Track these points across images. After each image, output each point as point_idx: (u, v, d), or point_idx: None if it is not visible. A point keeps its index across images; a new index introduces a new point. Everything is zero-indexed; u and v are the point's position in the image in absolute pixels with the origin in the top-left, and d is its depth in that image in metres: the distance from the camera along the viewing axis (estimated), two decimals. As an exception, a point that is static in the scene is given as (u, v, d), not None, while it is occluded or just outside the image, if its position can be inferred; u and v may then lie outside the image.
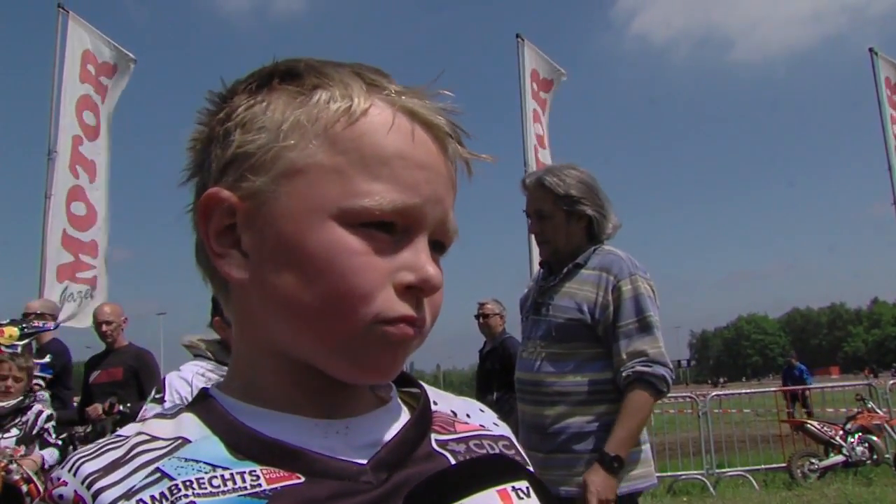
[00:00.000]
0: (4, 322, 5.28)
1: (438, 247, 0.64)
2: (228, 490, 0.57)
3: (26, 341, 5.23)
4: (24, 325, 5.31)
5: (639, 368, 2.43)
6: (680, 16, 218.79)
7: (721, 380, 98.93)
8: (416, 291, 0.60)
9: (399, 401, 0.70)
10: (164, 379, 2.69)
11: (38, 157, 7.88)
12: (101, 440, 0.63)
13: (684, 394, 13.32)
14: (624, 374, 2.45)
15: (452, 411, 0.73)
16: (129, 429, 0.64)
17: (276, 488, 0.57)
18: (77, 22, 8.18)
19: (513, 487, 0.61)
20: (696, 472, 9.34)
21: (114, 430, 0.66)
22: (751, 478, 9.09)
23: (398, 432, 0.65)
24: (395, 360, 0.62)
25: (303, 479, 0.58)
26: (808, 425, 9.53)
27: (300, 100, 0.62)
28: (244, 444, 0.60)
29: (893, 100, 11.43)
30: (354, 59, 0.67)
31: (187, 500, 0.55)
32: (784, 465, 9.18)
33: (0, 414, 4.73)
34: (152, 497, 0.56)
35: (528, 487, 0.62)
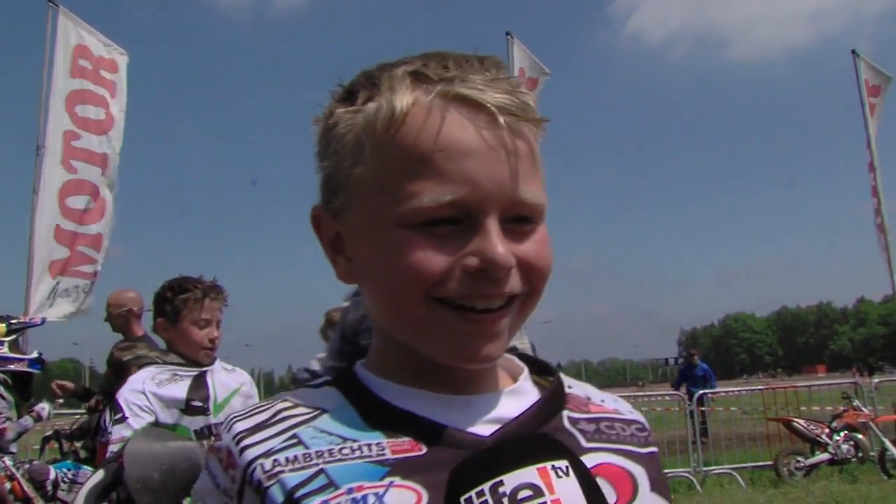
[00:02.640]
0: (-9, 317, 5.24)
1: (524, 220, 0.67)
2: (356, 457, 0.65)
3: (13, 337, 5.19)
4: (10, 321, 5.27)
5: None
6: (676, 14, 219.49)
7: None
8: (486, 273, 0.65)
9: (531, 383, 0.77)
10: (118, 400, 2.70)
11: (28, 153, 7.82)
12: (254, 403, 0.74)
13: (671, 392, 13.38)
14: None
15: (587, 396, 0.79)
16: (277, 396, 0.74)
17: (399, 458, 0.65)
18: (67, 17, 8.11)
19: (552, 466, 0.64)
20: (683, 469, 9.41)
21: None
22: (737, 475, 9.18)
23: (526, 409, 0.69)
24: (476, 341, 0.67)
25: (424, 451, 0.66)
26: (795, 423, 9.60)
27: (357, 117, 0.68)
28: (375, 412, 0.69)
29: (871, 102, 11.67)
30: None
31: (318, 467, 0.65)
32: (770, 462, 9.26)
33: None
34: (287, 458, 0.66)
35: (567, 467, 0.65)
